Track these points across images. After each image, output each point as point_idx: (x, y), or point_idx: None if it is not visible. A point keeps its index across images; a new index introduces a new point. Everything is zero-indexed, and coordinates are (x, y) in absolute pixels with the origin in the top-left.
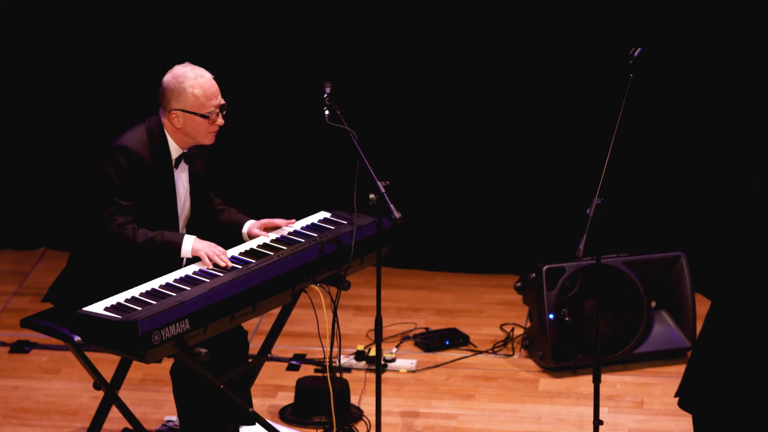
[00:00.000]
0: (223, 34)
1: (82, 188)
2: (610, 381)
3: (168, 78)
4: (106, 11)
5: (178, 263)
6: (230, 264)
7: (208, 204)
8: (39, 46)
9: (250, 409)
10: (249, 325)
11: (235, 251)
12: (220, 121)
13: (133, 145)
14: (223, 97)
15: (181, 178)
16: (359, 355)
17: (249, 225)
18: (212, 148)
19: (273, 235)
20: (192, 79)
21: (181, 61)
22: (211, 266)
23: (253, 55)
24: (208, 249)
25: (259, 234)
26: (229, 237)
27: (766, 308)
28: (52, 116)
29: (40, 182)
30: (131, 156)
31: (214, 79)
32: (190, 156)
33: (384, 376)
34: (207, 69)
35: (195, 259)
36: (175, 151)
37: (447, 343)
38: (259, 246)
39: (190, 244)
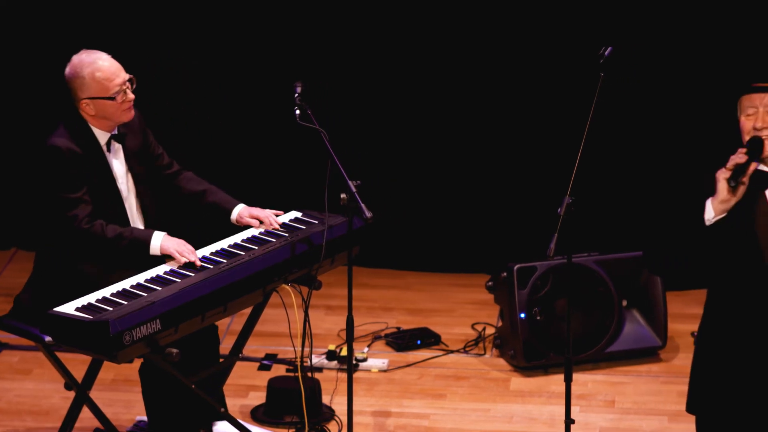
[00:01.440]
0: (196, 33)
1: (34, 194)
2: (582, 380)
3: (68, 70)
4: (66, 12)
5: (147, 260)
6: (199, 262)
7: (161, 175)
8: (9, 47)
9: (222, 409)
10: (220, 325)
11: (206, 251)
12: (130, 96)
13: (60, 142)
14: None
15: (117, 160)
16: (331, 355)
17: (239, 210)
18: (147, 120)
19: (244, 235)
20: (89, 66)
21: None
22: (182, 263)
23: (225, 54)
24: (177, 246)
25: (251, 222)
26: (216, 224)
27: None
28: (21, 116)
29: (9, 182)
30: (61, 152)
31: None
32: (120, 136)
33: (355, 375)
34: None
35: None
36: (101, 136)
37: (418, 342)
38: (230, 245)
39: (159, 241)
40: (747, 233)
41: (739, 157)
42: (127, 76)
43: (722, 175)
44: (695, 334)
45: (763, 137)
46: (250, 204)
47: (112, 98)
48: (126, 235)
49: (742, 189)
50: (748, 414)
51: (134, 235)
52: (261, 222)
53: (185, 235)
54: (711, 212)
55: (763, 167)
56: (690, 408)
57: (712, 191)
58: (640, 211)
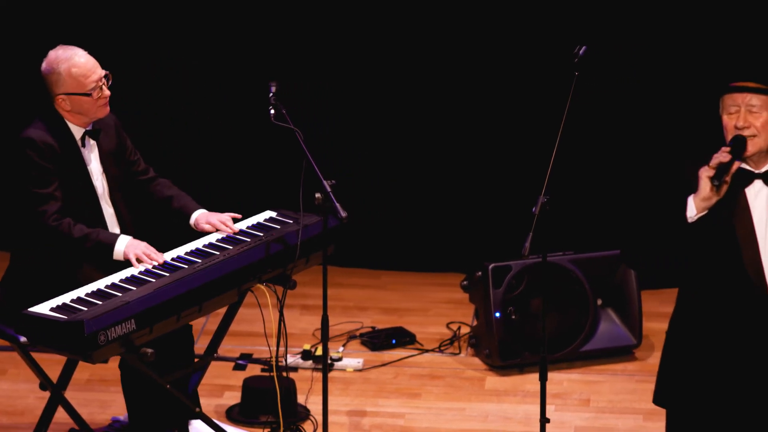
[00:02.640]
0: (170, 32)
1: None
2: (557, 379)
3: (44, 66)
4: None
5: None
6: (161, 260)
7: (135, 180)
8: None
9: (197, 409)
10: (195, 324)
11: (181, 251)
12: (106, 92)
13: (36, 135)
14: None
15: (92, 156)
16: (306, 355)
17: (197, 215)
18: (130, 129)
19: (219, 234)
20: (65, 62)
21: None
22: (140, 267)
23: (200, 53)
24: (139, 251)
25: (204, 228)
26: (181, 227)
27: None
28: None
29: None
30: (36, 145)
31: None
32: (95, 132)
33: (331, 375)
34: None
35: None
36: (77, 131)
37: (393, 341)
38: (205, 245)
39: (123, 245)
40: (726, 231)
41: (723, 156)
42: (103, 73)
43: (705, 173)
44: None
45: (745, 136)
46: (223, 204)
47: (88, 94)
48: (92, 237)
49: (724, 188)
50: (716, 408)
51: (100, 237)
52: (216, 229)
53: (160, 240)
54: (693, 209)
55: (744, 165)
56: (657, 400)
57: (692, 181)
58: (615, 210)
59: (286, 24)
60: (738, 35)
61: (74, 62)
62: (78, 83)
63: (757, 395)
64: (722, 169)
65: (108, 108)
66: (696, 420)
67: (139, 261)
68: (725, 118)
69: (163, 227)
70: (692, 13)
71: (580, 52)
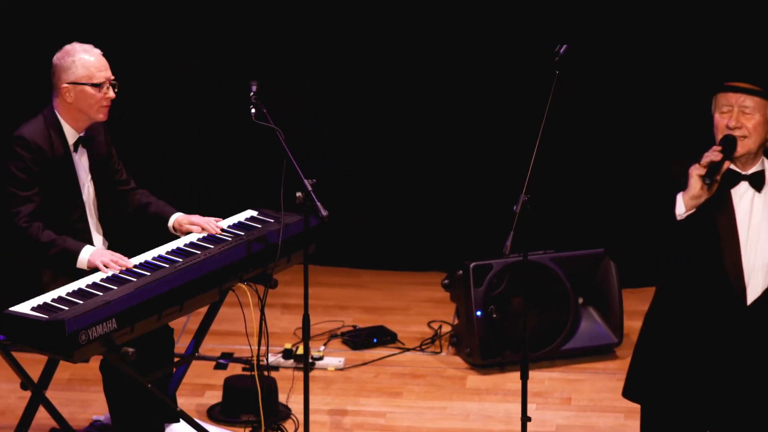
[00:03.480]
0: (151, 30)
1: None
2: (538, 377)
3: (57, 55)
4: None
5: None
6: (130, 265)
7: (116, 190)
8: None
9: (178, 408)
10: (176, 323)
11: (162, 250)
12: (111, 94)
13: (29, 134)
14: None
15: (82, 163)
16: (287, 354)
17: (176, 218)
18: (110, 130)
19: (200, 234)
20: (80, 52)
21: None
22: (108, 273)
23: (180, 53)
24: (104, 256)
25: (187, 229)
26: (159, 232)
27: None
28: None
29: None
30: (27, 145)
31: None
32: (88, 139)
33: (312, 374)
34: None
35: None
36: (71, 135)
37: (375, 340)
38: (186, 245)
39: (87, 254)
40: (709, 230)
41: (714, 155)
42: (112, 76)
43: (696, 172)
44: None
45: (736, 136)
46: (205, 203)
47: (98, 85)
48: (58, 243)
49: (715, 186)
50: (682, 406)
51: (66, 244)
52: (202, 228)
53: (137, 250)
54: (682, 207)
55: (732, 166)
56: (626, 393)
57: (679, 180)
58: (596, 209)
59: (268, 22)
60: (735, 35)
61: (89, 55)
62: (89, 73)
63: (724, 396)
64: (713, 168)
65: (107, 113)
66: (665, 416)
67: (107, 267)
68: (717, 116)
69: (141, 237)
70: (685, 12)
71: (561, 50)
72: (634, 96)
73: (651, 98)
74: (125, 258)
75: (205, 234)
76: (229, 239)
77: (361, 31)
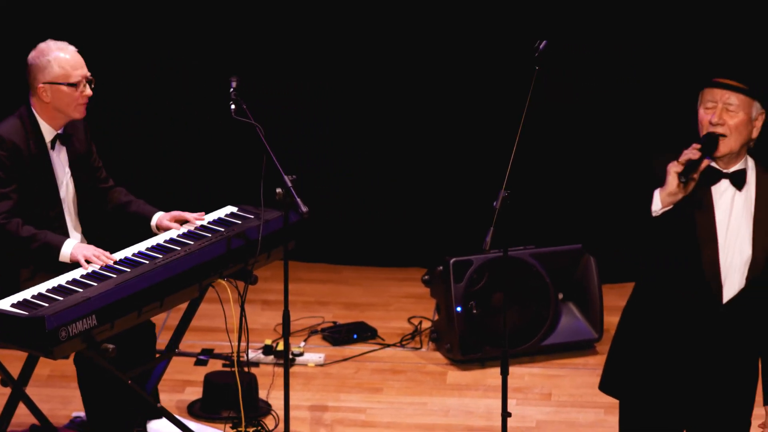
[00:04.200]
0: (129, 26)
1: None
2: (518, 373)
3: (32, 54)
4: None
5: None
6: (110, 261)
7: (97, 188)
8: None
9: (158, 404)
10: (157, 320)
11: (142, 246)
12: (88, 92)
13: (5, 132)
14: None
15: (60, 160)
16: (267, 350)
17: (158, 216)
18: (90, 127)
19: (180, 230)
20: (56, 51)
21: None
22: (88, 268)
23: (160, 48)
24: (87, 253)
25: (169, 225)
26: (138, 230)
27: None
28: None
29: None
30: (3, 143)
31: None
32: (66, 136)
33: (292, 370)
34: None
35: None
36: (48, 132)
37: (355, 336)
38: (165, 241)
39: (69, 248)
40: (687, 227)
41: (692, 152)
42: (88, 73)
43: (673, 169)
44: None
45: (718, 133)
46: (185, 199)
47: (74, 85)
48: (39, 238)
49: (692, 184)
50: (656, 401)
51: (47, 239)
52: (185, 222)
53: (115, 247)
54: (658, 203)
55: (713, 164)
56: (602, 386)
57: (659, 176)
58: (576, 205)
59: (249, 18)
60: (723, 32)
61: (64, 53)
62: (65, 73)
63: (699, 394)
64: (691, 166)
65: (85, 110)
66: (641, 411)
67: (88, 262)
68: (701, 111)
69: (120, 234)
70: (668, 7)
71: (541, 46)
72: (615, 92)
73: (632, 94)
74: (107, 253)
75: (185, 230)
76: (209, 235)
77: (342, 27)
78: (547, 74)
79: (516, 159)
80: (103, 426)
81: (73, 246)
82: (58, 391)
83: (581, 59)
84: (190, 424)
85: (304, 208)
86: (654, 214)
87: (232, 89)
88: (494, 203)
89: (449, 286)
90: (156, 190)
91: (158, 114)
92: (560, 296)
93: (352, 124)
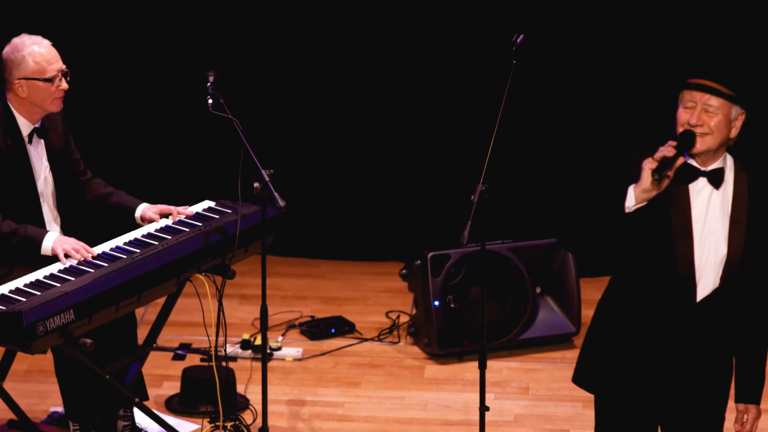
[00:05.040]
0: (109, 19)
1: None
2: (496, 367)
3: (6, 50)
4: None
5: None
6: (89, 256)
7: (75, 180)
8: None
9: (137, 399)
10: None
11: (120, 241)
12: (64, 85)
13: None
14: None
15: (38, 154)
16: (245, 344)
17: (143, 208)
18: (70, 124)
19: (157, 225)
20: (30, 47)
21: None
22: (66, 264)
23: (138, 42)
24: (66, 243)
25: (154, 218)
26: (117, 223)
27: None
28: None
29: None
30: None
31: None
32: (44, 130)
33: (270, 364)
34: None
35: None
36: (25, 126)
37: (333, 331)
38: (143, 235)
39: (51, 241)
40: (663, 224)
41: (667, 150)
42: (63, 66)
43: (648, 165)
44: None
45: (697, 134)
46: (162, 194)
47: (49, 80)
48: (20, 232)
49: (666, 182)
50: (628, 397)
51: (28, 233)
52: (168, 215)
53: (95, 240)
54: (632, 200)
55: (692, 162)
56: (575, 379)
57: (634, 172)
58: (553, 198)
59: (226, 13)
60: (704, 31)
61: (39, 48)
62: (40, 68)
63: (672, 390)
64: (665, 163)
65: (61, 104)
66: (616, 406)
67: (67, 256)
68: (680, 110)
69: (99, 227)
70: (649, 4)
71: (518, 40)
72: (592, 87)
73: (609, 89)
74: (87, 246)
75: (162, 225)
76: (187, 230)
77: (318, 21)
78: (525, 68)
79: (493, 153)
80: (80, 413)
81: (54, 239)
82: (36, 386)
83: (559, 54)
84: (168, 418)
85: (281, 203)
86: (627, 211)
87: (209, 84)
88: (472, 197)
89: (427, 280)
90: (134, 184)
91: (136, 108)
92: (538, 290)
93: (330, 119)
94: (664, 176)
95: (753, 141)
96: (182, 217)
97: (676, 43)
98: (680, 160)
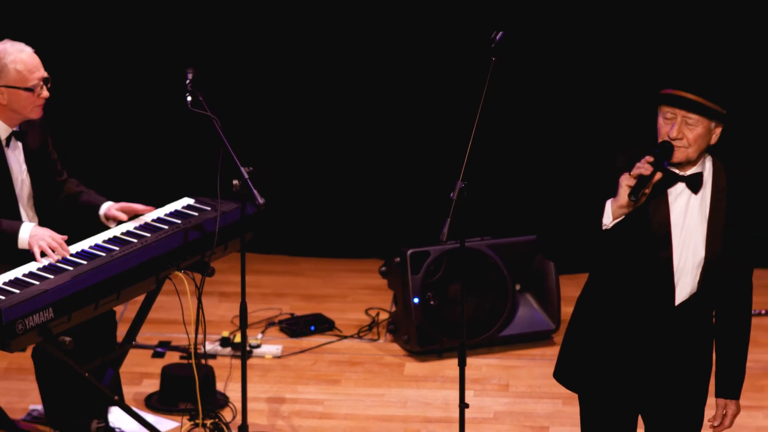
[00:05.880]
0: (86, 18)
1: None
2: (476, 364)
3: None
4: None
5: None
6: (66, 254)
7: (53, 181)
8: None
9: (116, 397)
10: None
11: (99, 239)
12: (45, 93)
13: None
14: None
15: (15, 157)
16: (224, 342)
17: (107, 206)
18: (48, 123)
19: (136, 222)
20: (12, 54)
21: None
22: (41, 260)
23: (116, 40)
24: (42, 240)
25: (116, 215)
26: (89, 222)
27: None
28: None
29: None
30: None
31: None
32: (22, 133)
33: (249, 362)
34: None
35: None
36: (3, 130)
37: (312, 328)
38: (122, 233)
39: (27, 233)
40: (642, 228)
41: (644, 168)
42: (45, 74)
43: (625, 182)
44: None
45: (676, 146)
46: (141, 191)
47: (30, 90)
48: None
49: (643, 199)
50: (614, 392)
51: (3, 227)
52: (135, 214)
53: (76, 238)
54: (609, 216)
55: (671, 168)
56: (556, 374)
57: (621, 173)
58: (533, 195)
59: (203, 10)
60: (681, 42)
61: (21, 56)
62: (21, 77)
63: (650, 386)
64: (642, 182)
65: (41, 111)
66: (597, 402)
67: (43, 255)
68: (661, 120)
69: (77, 228)
70: (628, 7)
71: (498, 37)
72: (573, 84)
73: (590, 86)
74: (62, 241)
75: (141, 222)
76: (166, 227)
77: (296, 18)
78: (504, 65)
79: (473, 150)
80: (60, 418)
81: (29, 232)
82: (15, 384)
83: (539, 50)
84: (148, 416)
85: (260, 200)
86: (604, 227)
87: (188, 81)
88: (451, 194)
89: (406, 278)
90: (113, 181)
91: (115, 106)
92: (517, 287)
93: (309, 116)
94: (640, 197)
95: (732, 141)
96: (160, 215)
97: (660, 42)
98: (657, 176)
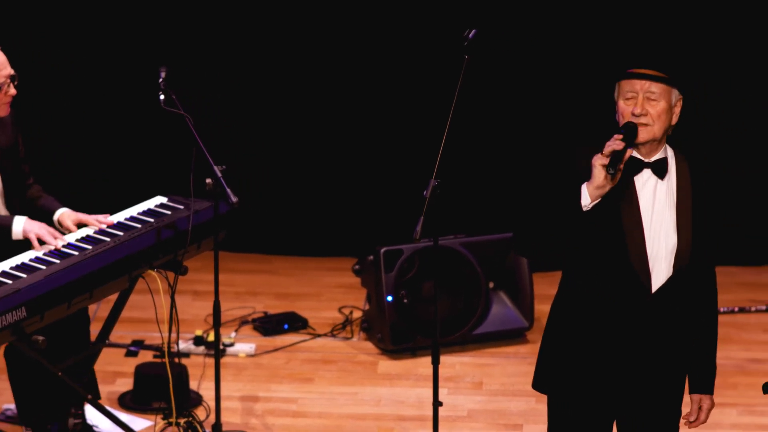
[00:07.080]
0: (57, 15)
1: None
2: (449, 362)
3: None
4: None
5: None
6: (60, 245)
7: (23, 180)
8: None
9: (89, 396)
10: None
11: (72, 237)
12: (12, 91)
13: None
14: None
15: None
16: (198, 340)
17: (61, 212)
18: (19, 121)
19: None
20: None
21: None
22: (39, 247)
23: (87, 38)
24: (38, 230)
25: (71, 227)
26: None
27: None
28: None
29: None
30: None
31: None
32: None
33: (223, 360)
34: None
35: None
36: None
37: (286, 326)
38: (95, 232)
39: (21, 225)
40: (613, 218)
41: (616, 144)
42: (12, 72)
43: (599, 162)
44: None
45: (640, 124)
46: (114, 190)
47: None
48: None
49: (619, 175)
50: (590, 396)
51: None
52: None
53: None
54: (587, 198)
55: (635, 154)
56: (535, 385)
57: (585, 168)
58: (506, 193)
59: (175, 8)
60: (638, 22)
61: None
62: None
63: (629, 384)
64: (616, 156)
65: (8, 108)
66: (570, 405)
67: (41, 242)
68: (621, 103)
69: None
70: (597, 10)
71: (470, 35)
72: (541, 82)
73: (557, 84)
74: (56, 232)
75: (120, 218)
76: (139, 226)
77: (268, 17)
78: (476, 63)
79: (446, 148)
80: (34, 418)
81: (23, 224)
82: None
83: (510, 49)
84: (121, 415)
85: (234, 198)
86: (584, 209)
87: (161, 79)
88: (424, 192)
89: (380, 276)
90: (86, 181)
91: (87, 104)
92: (491, 285)
93: (282, 114)
94: (617, 170)
95: (690, 129)
96: (133, 213)
97: (612, 32)
98: (628, 152)
